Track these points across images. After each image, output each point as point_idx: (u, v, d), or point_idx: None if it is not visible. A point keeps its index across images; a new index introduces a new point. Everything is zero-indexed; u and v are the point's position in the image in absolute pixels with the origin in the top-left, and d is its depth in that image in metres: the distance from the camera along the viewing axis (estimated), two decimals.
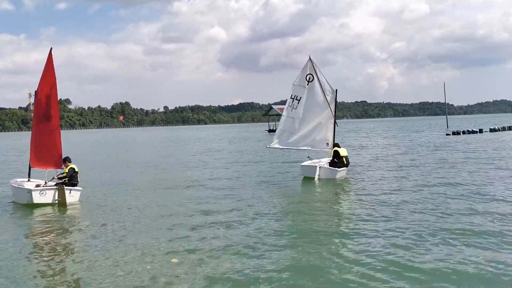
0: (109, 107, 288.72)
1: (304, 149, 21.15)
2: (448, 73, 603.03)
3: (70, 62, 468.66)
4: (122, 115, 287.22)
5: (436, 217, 11.42)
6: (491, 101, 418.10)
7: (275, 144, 21.24)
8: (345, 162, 19.77)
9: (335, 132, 21.18)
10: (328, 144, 20.78)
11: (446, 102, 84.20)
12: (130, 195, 16.34)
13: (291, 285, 7.39)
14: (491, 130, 59.45)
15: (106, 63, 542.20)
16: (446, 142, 40.41)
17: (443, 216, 11.55)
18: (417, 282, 7.26)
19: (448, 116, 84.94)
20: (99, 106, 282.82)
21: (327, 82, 20.96)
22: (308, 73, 20.72)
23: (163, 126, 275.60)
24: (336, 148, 19.94)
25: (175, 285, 7.40)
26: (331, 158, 20.06)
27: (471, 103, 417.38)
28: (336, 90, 21.16)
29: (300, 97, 20.70)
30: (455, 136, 51.33)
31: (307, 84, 20.71)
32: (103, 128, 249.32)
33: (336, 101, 21.16)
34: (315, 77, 20.68)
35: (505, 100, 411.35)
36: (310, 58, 20.76)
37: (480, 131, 57.69)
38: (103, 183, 19.70)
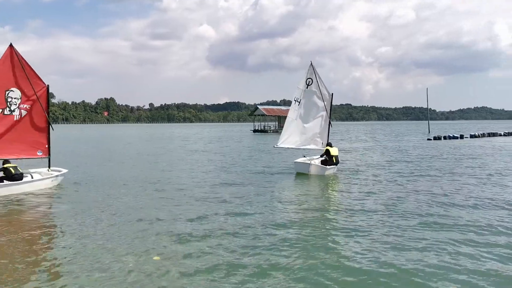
0: (93, 102, 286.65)
1: (305, 149, 22.99)
2: (432, 79, 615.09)
3: (56, 55, 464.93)
4: (107, 111, 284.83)
5: (413, 213, 12.60)
6: (472, 107, 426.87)
7: (281, 144, 23.03)
8: (334, 161, 21.16)
9: (329, 132, 22.88)
10: (323, 143, 22.48)
11: (429, 108, 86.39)
12: (114, 193, 16.00)
13: (277, 281, 7.50)
14: (472, 136, 61.45)
15: (92, 58, 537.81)
16: (427, 147, 42.01)
17: (419, 212, 12.88)
18: (400, 274, 7.81)
19: (430, 121, 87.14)
20: (83, 101, 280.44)
21: (325, 86, 22.73)
22: (308, 77, 22.54)
23: (148, 123, 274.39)
24: (328, 147, 21.40)
25: (157, 282, 7.41)
26: (323, 156, 21.59)
27: (453, 109, 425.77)
28: (332, 94, 22.94)
29: (301, 100, 22.57)
30: (436, 141, 53.06)
31: (307, 87, 22.51)
32: (87, 123, 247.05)
33: (331, 104, 22.89)
34: (314, 81, 22.44)
35: (486, 107, 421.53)
36: (311, 64, 22.55)
37: (461, 137, 59.64)
38: (89, 180, 19.07)
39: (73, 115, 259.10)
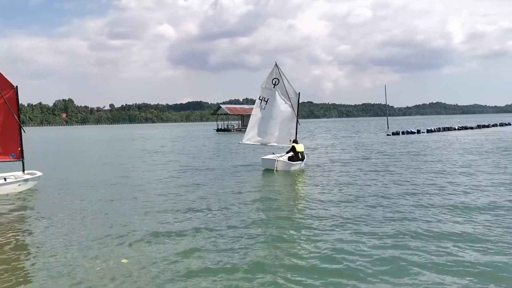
0: (51, 104, 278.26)
1: (272, 145, 23.87)
2: (389, 76, 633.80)
3: (10, 56, 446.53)
4: (65, 113, 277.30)
5: (372, 200, 13.78)
6: (427, 103, 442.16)
7: (246, 141, 23.81)
8: (300, 157, 22.08)
9: (297, 130, 23.84)
10: (291, 140, 23.33)
11: (387, 104, 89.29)
12: (82, 196, 15.77)
13: (247, 280, 7.59)
14: (428, 131, 64.31)
15: (49, 58, 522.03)
16: (387, 142, 43.86)
17: (378, 200, 14.03)
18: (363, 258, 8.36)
19: (388, 117, 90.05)
20: (40, 103, 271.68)
21: (291, 85, 23.69)
22: (274, 77, 23.42)
23: (109, 124, 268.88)
24: (293, 144, 22.33)
25: (125, 285, 7.40)
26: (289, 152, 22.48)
27: (410, 105, 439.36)
28: (299, 93, 23.93)
29: (268, 99, 23.41)
30: (395, 136, 55.37)
31: (273, 87, 23.37)
32: (45, 126, 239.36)
33: (298, 103, 23.83)
34: (280, 81, 23.37)
35: (440, 102, 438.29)
36: (276, 64, 23.48)
37: (418, 131, 62.29)
38: (58, 183, 18.79)
39: (30, 118, 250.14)
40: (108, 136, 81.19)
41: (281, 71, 23.42)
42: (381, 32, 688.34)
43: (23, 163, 17.56)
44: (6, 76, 16.68)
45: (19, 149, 17.26)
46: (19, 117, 17.30)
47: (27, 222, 12.28)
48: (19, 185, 16.69)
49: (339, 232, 10.25)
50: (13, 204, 14.64)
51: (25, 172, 17.68)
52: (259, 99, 23.60)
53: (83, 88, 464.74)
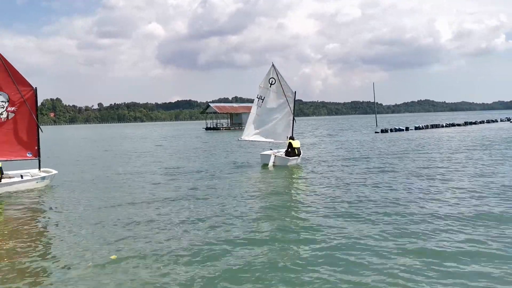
0: (38, 103, 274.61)
1: (269, 142, 25.21)
2: (378, 74, 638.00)
3: None
4: (53, 112, 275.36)
5: (363, 196, 14.92)
6: (416, 101, 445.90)
7: (245, 137, 25.17)
8: (296, 153, 23.49)
9: (293, 127, 25.19)
10: (287, 137, 24.62)
11: (376, 102, 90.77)
12: (74, 192, 16.20)
13: (238, 275, 7.66)
14: (416, 128, 65.91)
15: (36, 57, 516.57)
16: (375, 139, 45.41)
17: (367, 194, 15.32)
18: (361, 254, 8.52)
19: (377, 115, 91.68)
20: None
21: (287, 84, 25.11)
22: (271, 76, 24.84)
23: (98, 123, 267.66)
24: (290, 140, 23.74)
25: (114, 281, 7.46)
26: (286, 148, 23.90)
27: (398, 103, 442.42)
28: (295, 92, 25.28)
29: (265, 97, 24.78)
30: (383, 133, 56.87)
31: (270, 86, 24.79)
32: None
33: (294, 101, 25.20)
34: (276, 80, 24.77)
35: (429, 100, 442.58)
36: (273, 65, 24.86)
37: (406, 129, 63.97)
38: (66, 182, 18.94)
39: None
40: (99, 136, 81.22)
41: (278, 71, 24.82)
42: (369, 30, 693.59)
43: (39, 161, 18.48)
44: None
45: (36, 147, 18.14)
46: (37, 117, 18.26)
47: (35, 218, 12.64)
48: (37, 182, 17.59)
49: (337, 225, 10.69)
50: (30, 200, 15.18)
51: (41, 169, 18.59)
52: (257, 97, 24.98)
53: (71, 87, 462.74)
